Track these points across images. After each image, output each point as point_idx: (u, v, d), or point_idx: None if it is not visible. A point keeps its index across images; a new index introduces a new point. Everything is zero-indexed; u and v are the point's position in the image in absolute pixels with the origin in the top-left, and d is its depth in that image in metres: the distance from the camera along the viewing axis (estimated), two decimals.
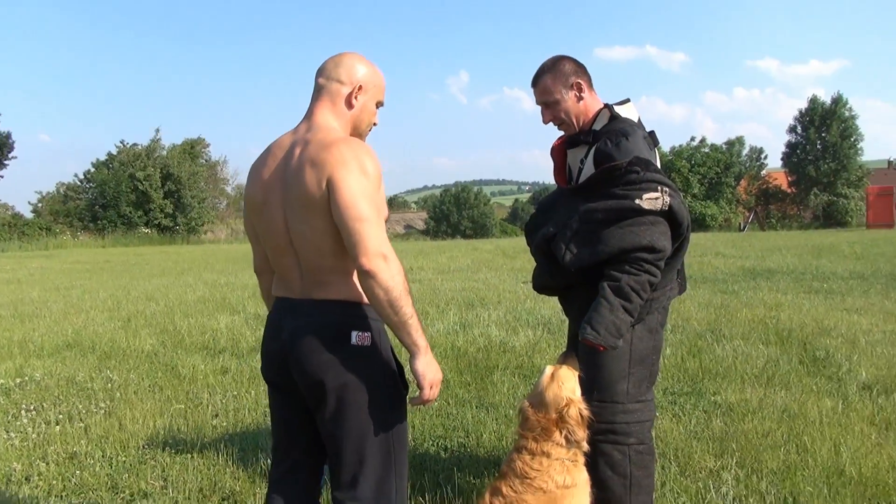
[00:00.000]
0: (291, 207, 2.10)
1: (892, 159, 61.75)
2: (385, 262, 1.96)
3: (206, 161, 52.65)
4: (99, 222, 42.69)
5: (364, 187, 2.01)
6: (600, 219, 2.62)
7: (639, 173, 2.60)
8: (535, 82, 2.88)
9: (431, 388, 2.08)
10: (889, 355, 5.70)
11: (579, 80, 2.82)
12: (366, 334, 2.11)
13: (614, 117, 2.81)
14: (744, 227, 41.90)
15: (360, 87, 2.22)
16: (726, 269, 12.52)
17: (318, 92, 2.23)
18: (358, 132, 2.28)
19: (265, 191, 2.18)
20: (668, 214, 2.60)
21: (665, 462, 3.59)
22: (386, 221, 2.14)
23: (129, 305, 10.40)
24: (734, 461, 3.60)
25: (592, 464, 2.59)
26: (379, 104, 2.32)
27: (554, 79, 2.82)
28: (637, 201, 2.56)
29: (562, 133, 3.00)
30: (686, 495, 3.24)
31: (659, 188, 2.58)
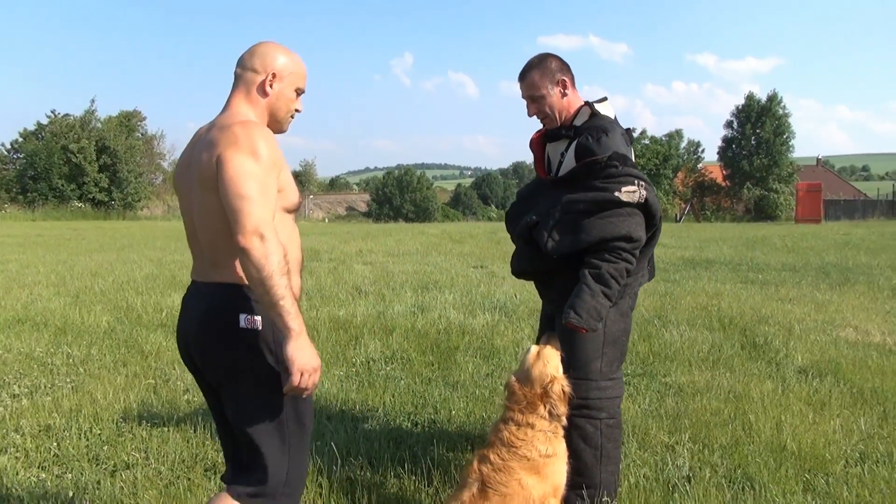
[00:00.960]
0: (193, 188, 2.14)
1: (820, 157, 64.43)
2: (260, 241, 1.94)
3: (142, 135, 51.20)
4: (29, 195, 41.12)
5: (251, 168, 2.01)
6: (582, 209, 2.83)
7: (618, 168, 2.82)
8: (523, 77, 3.03)
9: (302, 374, 1.99)
10: (822, 342, 6.13)
11: (564, 78, 3.01)
12: (255, 318, 2.09)
13: (594, 114, 3.02)
14: (680, 218, 43.23)
15: (275, 75, 2.24)
16: (667, 259, 13.00)
17: (235, 81, 2.28)
18: (276, 119, 2.29)
19: (179, 176, 2.27)
20: (644, 207, 2.83)
21: (625, 437, 3.83)
22: (296, 210, 2.25)
23: (74, 281, 10.19)
24: (687, 437, 3.88)
25: (567, 436, 2.80)
26: (299, 91, 2.32)
27: (541, 75, 2.99)
28: (616, 194, 2.78)
29: (541, 126, 3.19)
30: (647, 467, 3.49)
31: (636, 182, 2.81)
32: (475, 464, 2.62)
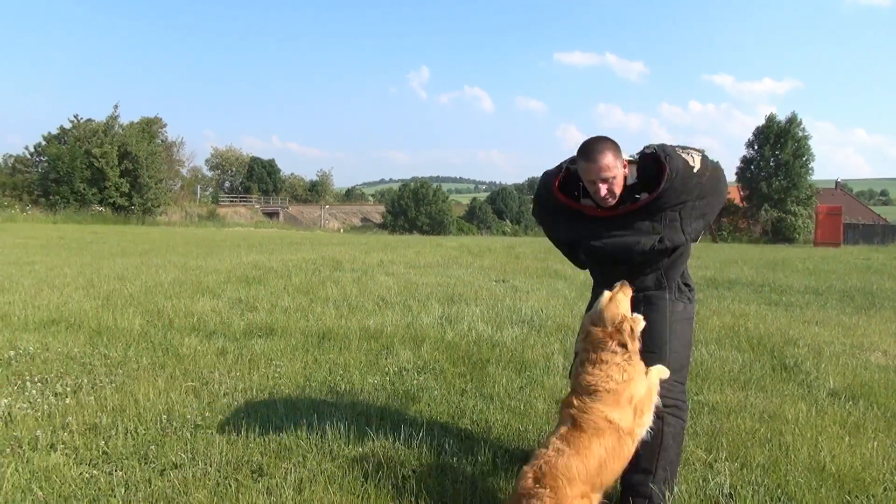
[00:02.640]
0: None
1: (839, 180, 64.05)
2: None
3: (162, 141, 51.84)
4: (51, 197, 41.63)
5: None
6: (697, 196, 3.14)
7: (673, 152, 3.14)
8: (597, 159, 3.03)
9: None
10: (852, 365, 6.12)
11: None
12: None
13: (632, 161, 3.19)
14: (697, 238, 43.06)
15: None
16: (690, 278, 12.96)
17: None
18: None
19: None
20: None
21: None
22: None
23: (102, 284, 10.32)
24: (724, 455, 3.90)
25: (657, 431, 3.07)
26: None
27: (615, 154, 3.07)
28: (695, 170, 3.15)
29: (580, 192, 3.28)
30: (686, 483, 3.52)
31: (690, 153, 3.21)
32: (564, 408, 2.91)
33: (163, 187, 47.82)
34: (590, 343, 2.92)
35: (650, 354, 3.13)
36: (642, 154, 3.18)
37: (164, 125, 51.12)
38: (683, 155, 3.09)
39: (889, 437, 4.32)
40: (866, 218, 54.79)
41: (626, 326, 2.90)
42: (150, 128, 48.40)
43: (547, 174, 3.43)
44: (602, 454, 2.76)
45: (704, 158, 3.16)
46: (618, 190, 3.11)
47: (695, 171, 3.08)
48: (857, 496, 3.46)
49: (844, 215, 39.31)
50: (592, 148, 3.07)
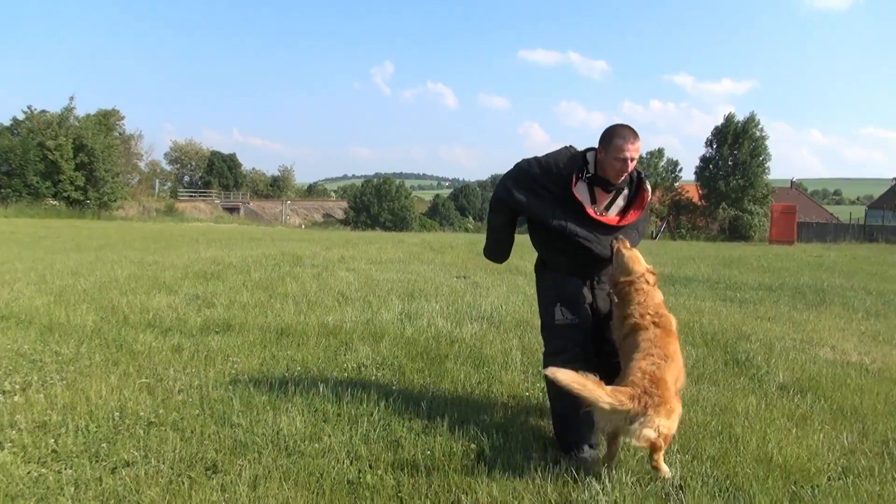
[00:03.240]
0: None
1: (794, 179, 65.54)
2: None
3: (120, 134, 50.79)
4: (2, 191, 40.54)
5: None
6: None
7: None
8: (635, 140, 3.77)
9: None
10: (801, 360, 6.28)
11: None
12: None
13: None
14: (656, 236, 43.73)
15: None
16: None
17: None
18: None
19: None
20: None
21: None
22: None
23: (55, 280, 10.09)
24: (675, 447, 3.98)
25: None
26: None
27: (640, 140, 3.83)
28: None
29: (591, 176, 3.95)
30: (636, 476, 3.58)
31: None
32: (637, 323, 3.77)
33: (120, 181, 46.87)
34: (627, 302, 3.85)
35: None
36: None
37: (122, 118, 50.22)
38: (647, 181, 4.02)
39: (834, 430, 4.45)
40: (820, 217, 56.14)
41: (649, 275, 3.93)
42: (107, 120, 47.36)
43: (557, 160, 3.96)
44: (680, 355, 3.78)
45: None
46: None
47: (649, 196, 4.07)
48: (802, 486, 3.55)
49: (799, 214, 40.24)
50: (630, 131, 3.77)
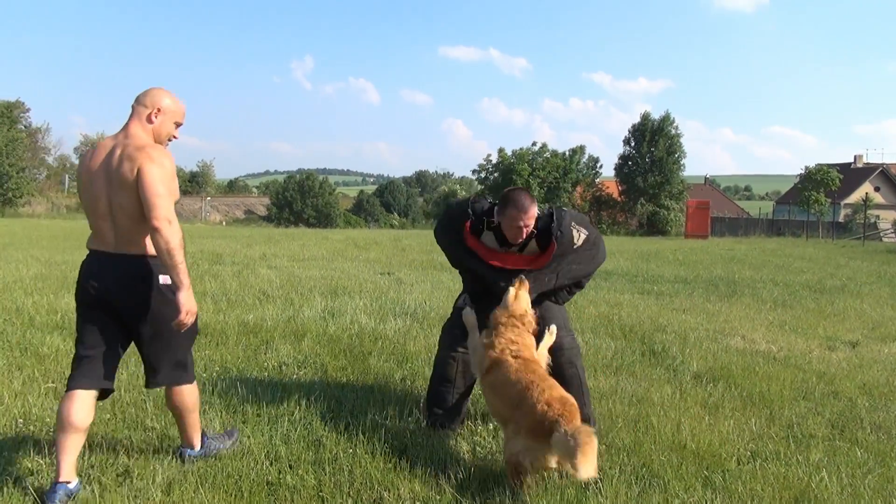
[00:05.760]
0: (112, 187, 3.11)
1: (708, 176, 68.05)
2: (168, 224, 3.01)
3: (25, 127, 48.26)
4: None
5: (161, 175, 3.07)
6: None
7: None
8: (528, 209, 3.86)
9: (187, 314, 3.09)
10: (714, 350, 6.53)
11: None
12: (168, 276, 3.12)
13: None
14: None
15: (159, 110, 3.28)
16: None
17: (132, 112, 3.29)
18: (159, 140, 3.31)
19: (90, 175, 3.16)
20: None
21: None
22: (177, 202, 3.17)
23: None
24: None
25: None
26: (177, 124, 3.40)
27: (535, 205, 3.93)
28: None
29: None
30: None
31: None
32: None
33: (25, 177, 44.52)
34: (500, 333, 3.80)
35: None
36: (547, 212, 4.05)
37: (27, 109, 47.55)
38: (573, 230, 4.00)
39: (744, 416, 4.64)
40: (732, 212, 58.57)
41: (529, 318, 3.87)
42: (10, 112, 44.82)
43: (453, 214, 4.23)
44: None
45: (588, 238, 4.08)
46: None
47: (574, 246, 4.03)
48: (714, 471, 3.68)
49: (712, 209, 41.86)
50: (524, 200, 3.87)
